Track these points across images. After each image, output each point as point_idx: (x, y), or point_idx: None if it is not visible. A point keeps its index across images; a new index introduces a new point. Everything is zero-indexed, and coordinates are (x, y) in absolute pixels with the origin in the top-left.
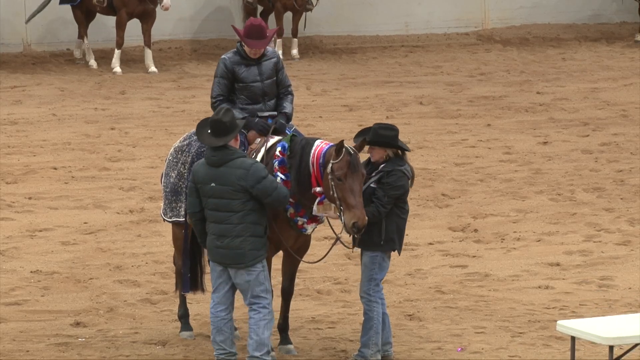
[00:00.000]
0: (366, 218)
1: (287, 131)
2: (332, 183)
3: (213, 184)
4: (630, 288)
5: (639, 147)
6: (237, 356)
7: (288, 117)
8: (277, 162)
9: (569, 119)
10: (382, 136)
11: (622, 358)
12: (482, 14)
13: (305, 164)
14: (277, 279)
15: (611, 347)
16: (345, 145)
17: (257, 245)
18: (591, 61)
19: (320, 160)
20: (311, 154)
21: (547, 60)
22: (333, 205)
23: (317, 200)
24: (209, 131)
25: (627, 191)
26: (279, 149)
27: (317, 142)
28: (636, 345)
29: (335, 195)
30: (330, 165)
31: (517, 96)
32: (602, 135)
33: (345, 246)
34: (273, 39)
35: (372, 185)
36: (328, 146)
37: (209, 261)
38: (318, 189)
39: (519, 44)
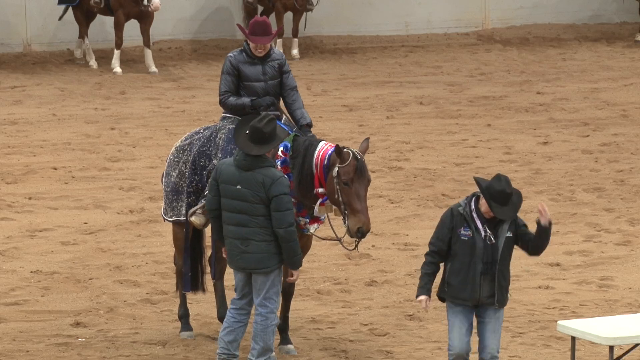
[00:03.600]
0: (370, 224)
1: (289, 131)
2: (338, 187)
3: (239, 186)
4: (630, 288)
5: (639, 147)
6: (237, 357)
7: (310, 126)
8: (279, 162)
9: (569, 119)
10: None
11: (622, 358)
12: (482, 14)
13: (309, 165)
14: None
15: (611, 347)
16: (352, 150)
17: (280, 249)
18: (591, 61)
19: (325, 162)
20: (315, 156)
21: (547, 60)
22: (334, 207)
23: (319, 202)
24: (248, 135)
25: (627, 191)
26: (281, 149)
27: (322, 144)
28: (636, 345)
29: (340, 199)
30: (336, 168)
31: (517, 96)
32: (602, 135)
33: (346, 248)
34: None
35: (508, 234)
36: (333, 149)
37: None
38: (320, 190)
39: (519, 44)
